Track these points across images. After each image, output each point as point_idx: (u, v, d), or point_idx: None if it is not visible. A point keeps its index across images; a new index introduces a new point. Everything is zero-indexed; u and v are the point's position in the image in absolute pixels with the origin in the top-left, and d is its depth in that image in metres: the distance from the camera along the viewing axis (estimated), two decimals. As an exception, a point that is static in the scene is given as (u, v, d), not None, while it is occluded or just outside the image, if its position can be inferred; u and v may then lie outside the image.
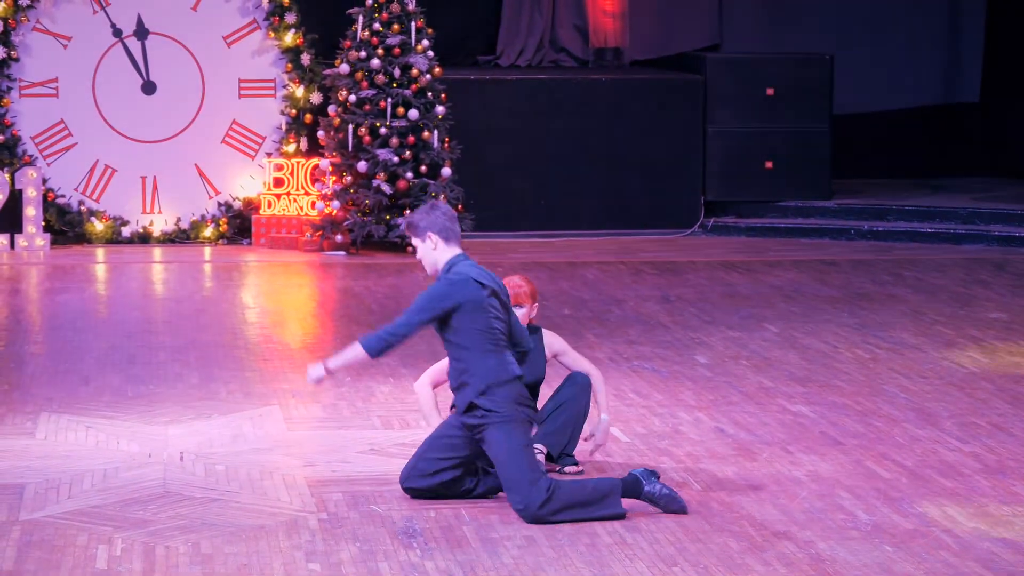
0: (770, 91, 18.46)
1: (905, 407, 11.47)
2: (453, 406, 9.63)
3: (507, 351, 9.48)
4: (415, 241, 9.62)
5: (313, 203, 17.24)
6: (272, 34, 17.79)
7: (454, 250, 9.54)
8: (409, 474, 9.51)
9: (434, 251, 9.53)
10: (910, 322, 14.10)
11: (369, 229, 17.05)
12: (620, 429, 10.91)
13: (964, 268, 16.50)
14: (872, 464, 10.18)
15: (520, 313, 9.85)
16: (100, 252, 17.30)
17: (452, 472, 9.47)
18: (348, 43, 17.31)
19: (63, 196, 17.60)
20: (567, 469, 9.93)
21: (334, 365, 9.58)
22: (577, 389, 10.02)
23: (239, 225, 17.74)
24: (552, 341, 10.05)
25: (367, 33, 17.24)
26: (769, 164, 18.46)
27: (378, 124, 17.07)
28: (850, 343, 13.35)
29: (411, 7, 17.31)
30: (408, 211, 16.96)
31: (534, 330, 10.01)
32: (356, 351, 9.49)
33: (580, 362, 10.12)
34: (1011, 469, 10.09)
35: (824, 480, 9.86)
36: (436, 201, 10.01)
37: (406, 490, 9.52)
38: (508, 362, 9.45)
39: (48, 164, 17.58)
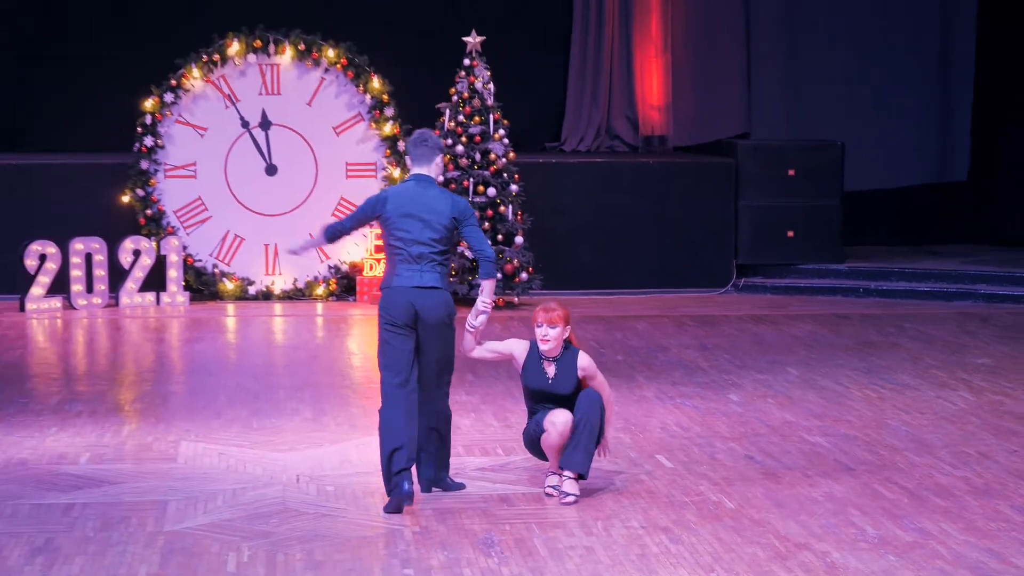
0: (791, 172, 18.43)
1: (906, 438, 11.42)
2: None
3: (402, 263, 9.60)
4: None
5: (408, 266, 17.26)
6: (374, 125, 17.86)
7: (416, 170, 9.83)
8: None
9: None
10: (910, 366, 14.04)
11: (454, 288, 17.06)
12: (665, 457, 10.88)
13: (955, 321, 16.42)
14: (878, 486, 10.14)
15: (553, 334, 9.77)
16: (230, 307, 17.36)
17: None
18: (437, 132, 17.34)
19: (200, 260, 17.67)
20: (565, 501, 9.75)
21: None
22: (587, 405, 9.75)
23: (346, 284, 17.79)
24: (585, 364, 9.91)
25: (453, 124, 17.29)
26: (790, 233, 18.42)
27: (462, 200, 17.09)
28: (859, 384, 13.30)
29: (490, 102, 17.35)
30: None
31: (570, 350, 9.91)
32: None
33: (603, 388, 10.00)
34: (995, 491, 10.03)
35: (837, 500, 9.83)
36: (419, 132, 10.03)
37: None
38: (395, 274, 9.63)
39: (188, 234, 17.65)
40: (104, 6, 19.19)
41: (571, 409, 9.77)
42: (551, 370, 9.89)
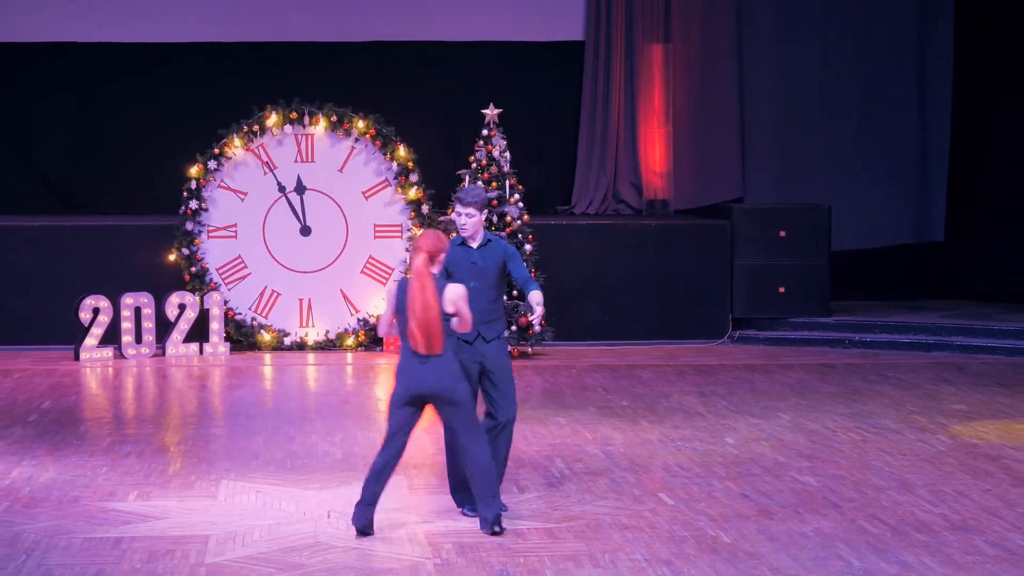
0: (782, 233, 18.42)
1: (888, 478, 11.38)
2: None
3: None
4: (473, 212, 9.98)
5: (430, 319, 17.25)
6: (400, 190, 17.88)
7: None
8: None
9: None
10: (892, 412, 13.99)
11: (473, 339, 17.04)
12: (667, 495, 10.84)
13: (933, 370, 16.37)
14: (863, 522, 10.09)
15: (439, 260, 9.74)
16: (267, 357, 17.36)
17: None
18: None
19: (240, 314, 17.68)
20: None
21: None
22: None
23: (374, 336, 17.78)
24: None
25: (472, 189, 17.30)
26: (782, 289, 18.40)
27: (480, 258, 17.11)
28: (845, 428, 13.25)
29: (506, 169, 17.38)
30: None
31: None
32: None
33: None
34: (971, 526, 9.98)
35: (826, 535, 9.78)
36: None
37: None
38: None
39: (229, 289, 17.66)
40: (153, 81, 19.27)
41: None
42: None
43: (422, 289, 9.47)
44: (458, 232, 10.19)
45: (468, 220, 10.08)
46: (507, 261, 10.22)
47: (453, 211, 10.09)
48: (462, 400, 9.60)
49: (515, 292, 17.06)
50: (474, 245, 10.19)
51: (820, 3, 19.74)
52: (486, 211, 10.27)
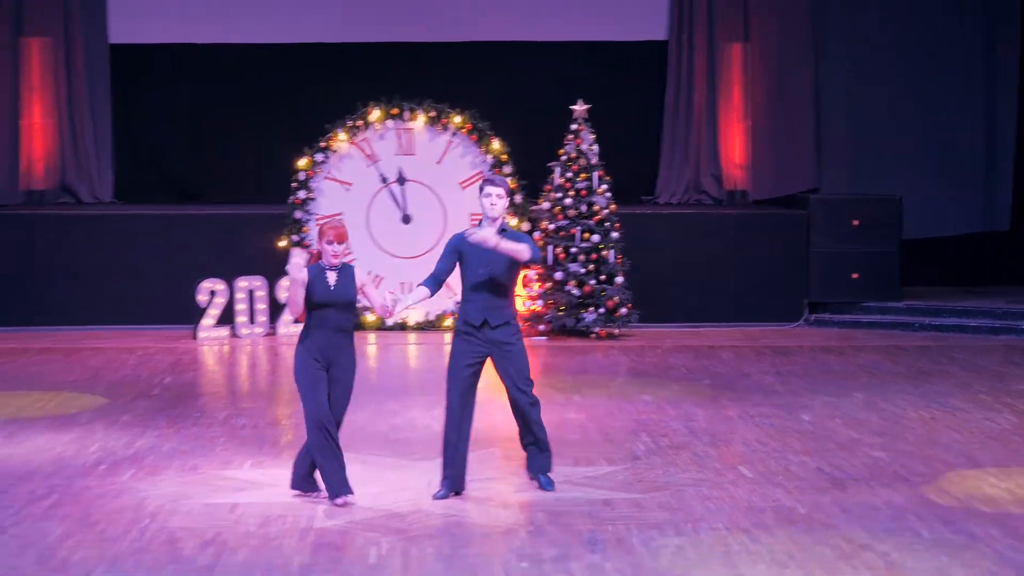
0: (855, 222, 18.32)
1: (956, 454, 11.32)
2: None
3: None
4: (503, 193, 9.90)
5: (523, 302, 17.31)
6: (494, 181, 17.90)
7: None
8: None
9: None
10: (960, 392, 13.91)
11: (563, 322, 17.08)
12: (746, 468, 10.84)
13: (1000, 353, 16.25)
14: (932, 495, 10.05)
15: (342, 249, 9.72)
16: (371, 336, 17.45)
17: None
18: (549, 187, 17.42)
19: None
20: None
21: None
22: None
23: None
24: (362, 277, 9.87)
25: (562, 180, 17.33)
26: (855, 275, 18.30)
27: (570, 246, 17.13)
28: (915, 406, 13.19)
29: (594, 161, 17.38)
30: (592, 308, 17.00)
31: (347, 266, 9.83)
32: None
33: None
34: (1036, 500, 9.94)
35: (896, 507, 9.75)
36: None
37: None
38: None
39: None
40: (264, 80, 19.41)
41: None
42: (332, 278, 9.71)
43: None
44: (486, 214, 10.01)
45: (498, 201, 9.98)
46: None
47: (482, 193, 10.02)
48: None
49: (602, 277, 17.07)
50: None
51: (891, 2, 19.62)
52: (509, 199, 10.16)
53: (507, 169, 17.79)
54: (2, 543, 8.89)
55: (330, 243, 9.70)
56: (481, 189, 10.02)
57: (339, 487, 9.71)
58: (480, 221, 10.09)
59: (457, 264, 9.99)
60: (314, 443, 9.68)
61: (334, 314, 9.72)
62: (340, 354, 9.77)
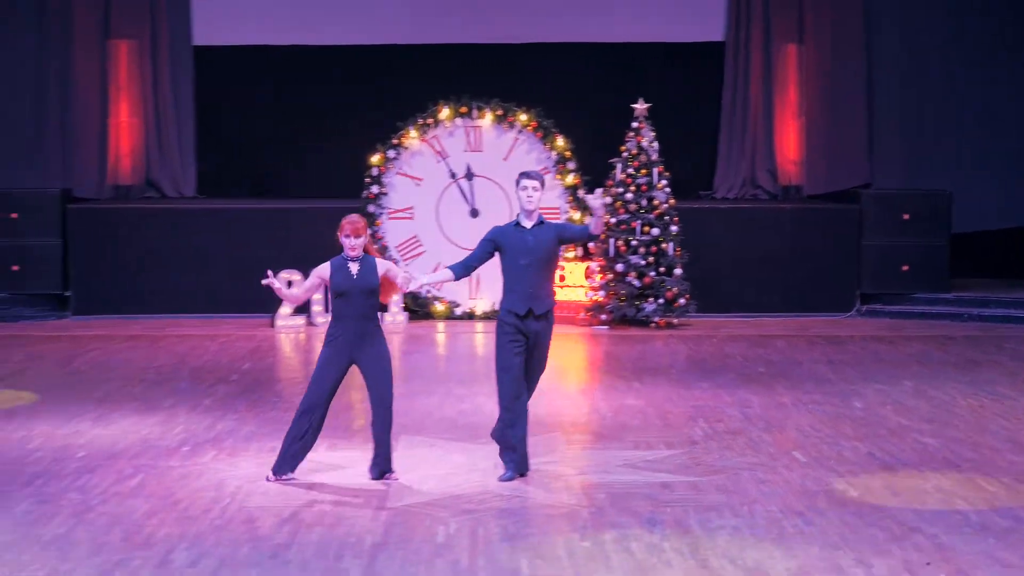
0: (906, 216, 18.21)
1: (1004, 440, 11.23)
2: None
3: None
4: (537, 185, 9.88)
5: (586, 292, 17.30)
6: (558, 176, 17.91)
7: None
8: None
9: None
10: (1007, 380, 13.79)
11: (624, 311, 17.06)
12: (800, 453, 10.79)
13: (1046, 342, 16.15)
14: (980, 480, 9.97)
15: (360, 242, 9.85)
16: (440, 325, 17.49)
17: None
18: (610, 182, 17.38)
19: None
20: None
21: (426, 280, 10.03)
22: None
23: (535, 307, 17.79)
24: (386, 267, 10.02)
25: (623, 175, 17.30)
26: (905, 267, 18.19)
27: (630, 239, 17.10)
28: (964, 394, 13.09)
29: (654, 158, 17.34)
30: (652, 299, 16.97)
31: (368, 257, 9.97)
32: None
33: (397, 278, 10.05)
34: (1081, 485, 9.85)
35: (945, 491, 9.68)
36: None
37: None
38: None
39: (406, 265, 17.80)
40: (337, 79, 19.47)
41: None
42: (354, 268, 9.86)
43: None
44: (523, 207, 9.99)
45: (535, 193, 9.95)
46: (561, 234, 10.00)
47: (519, 186, 9.99)
48: None
49: (662, 269, 17.04)
50: (528, 225, 9.96)
51: (943, 1, 19.48)
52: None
53: (570, 165, 17.78)
54: (90, 520, 8.97)
55: (347, 237, 9.89)
56: (518, 183, 10.00)
57: (283, 465, 9.84)
58: (518, 216, 10.03)
59: (492, 256, 10.05)
60: (295, 420, 9.82)
61: (357, 301, 9.85)
62: (365, 339, 9.89)
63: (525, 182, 9.93)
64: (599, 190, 9.92)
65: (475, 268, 10.10)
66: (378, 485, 9.78)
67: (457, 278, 10.07)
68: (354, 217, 10.01)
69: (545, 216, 10.22)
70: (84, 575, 8.00)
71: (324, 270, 9.94)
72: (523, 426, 9.97)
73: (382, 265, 9.95)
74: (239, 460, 10.46)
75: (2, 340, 15.94)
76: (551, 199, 17.85)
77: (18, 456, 10.61)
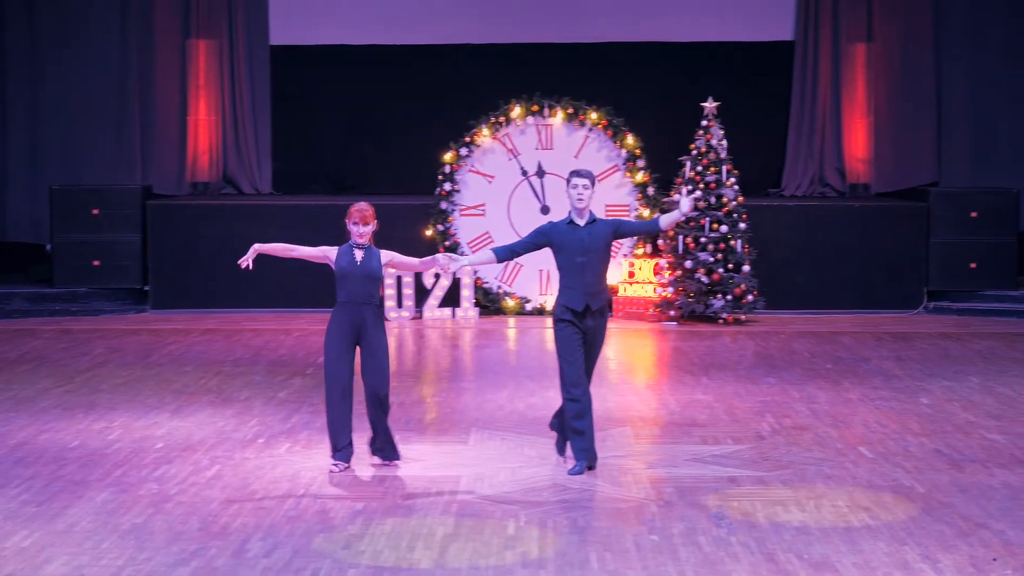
0: (974, 214, 18.04)
1: (1071, 437, 11.12)
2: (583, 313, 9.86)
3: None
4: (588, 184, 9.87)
5: (655, 289, 17.25)
6: (628, 174, 17.87)
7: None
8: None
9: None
10: (1074, 377, 13.67)
11: (692, 308, 17.00)
12: (867, 449, 10.72)
13: (1114, 339, 15.94)
14: (1047, 477, 9.88)
15: (367, 230, 10.09)
16: (511, 321, 17.50)
17: None
18: (680, 180, 17.32)
19: (487, 283, 17.84)
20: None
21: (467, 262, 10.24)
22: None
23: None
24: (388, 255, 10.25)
25: (693, 173, 17.23)
26: (973, 265, 18.02)
27: (699, 236, 17.04)
28: (1031, 391, 12.98)
29: (723, 155, 17.26)
30: (720, 295, 16.91)
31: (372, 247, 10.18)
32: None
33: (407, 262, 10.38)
34: None
35: (1012, 487, 9.59)
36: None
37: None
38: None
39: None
40: (411, 78, 19.51)
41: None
42: (359, 255, 10.07)
43: None
44: (574, 205, 9.95)
45: (585, 192, 9.91)
46: (618, 229, 9.99)
47: (569, 184, 9.97)
48: None
49: (730, 265, 16.96)
50: (581, 223, 9.94)
51: (1010, 1, 19.31)
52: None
53: (640, 163, 17.74)
54: (168, 510, 9.04)
55: (355, 224, 10.14)
56: (568, 181, 9.98)
57: (344, 455, 9.96)
58: (570, 213, 10.01)
59: (539, 249, 10.10)
60: (327, 405, 9.92)
61: (359, 285, 10.05)
62: (367, 324, 10.06)
63: (575, 180, 9.93)
64: (699, 192, 9.96)
65: (519, 255, 10.18)
66: (449, 478, 9.79)
67: (499, 261, 10.16)
68: (363, 205, 10.22)
69: (614, 213, 10.21)
70: (161, 564, 8.06)
71: (331, 250, 10.21)
72: (591, 416, 9.96)
73: (386, 255, 10.20)
74: (313, 452, 10.51)
75: (83, 334, 16.10)
76: (620, 196, 17.82)
77: (98, 447, 10.71)
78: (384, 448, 10.07)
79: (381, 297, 10.39)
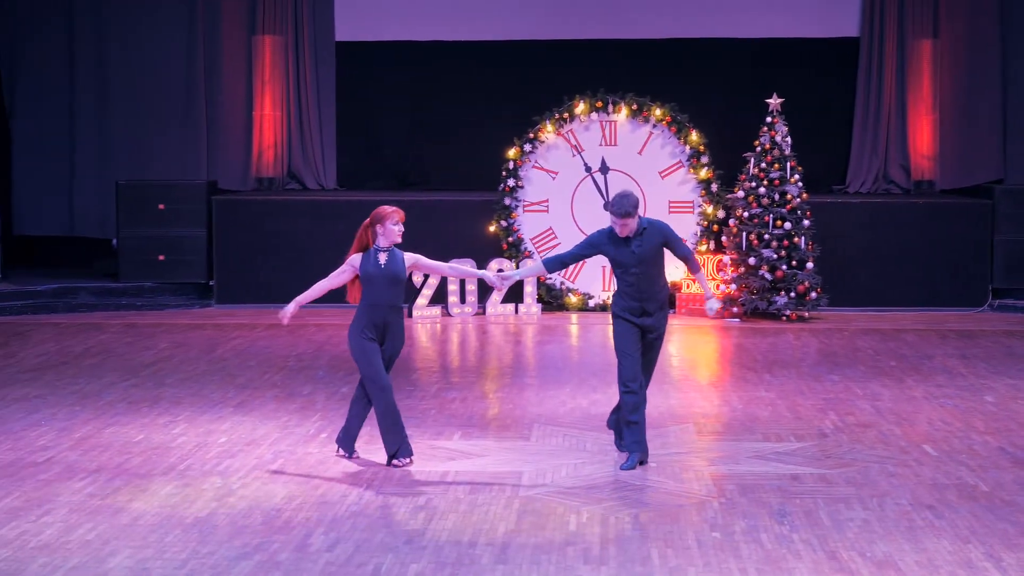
0: (1040, 211, 17.92)
1: None
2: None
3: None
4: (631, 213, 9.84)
5: (718, 285, 17.19)
6: (692, 170, 17.81)
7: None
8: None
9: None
10: None
11: (756, 304, 16.92)
12: (931, 446, 10.63)
13: None
14: (1114, 477, 9.76)
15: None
16: (574, 317, 17.47)
17: None
18: (743, 176, 17.25)
19: (550, 279, 17.83)
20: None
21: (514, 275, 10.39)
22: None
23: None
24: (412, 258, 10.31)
25: (756, 170, 17.15)
26: (1038, 262, 17.91)
27: (763, 232, 16.95)
28: (1098, 390, 12.83)
29: (787, 152, 17.17)
30: (783, 292, 16.82)
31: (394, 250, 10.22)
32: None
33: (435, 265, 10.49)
34: None
35: (1078, 487, 9.49)
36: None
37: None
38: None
39: (541, 257, 17.80)
40: (476, 74, 19.52)
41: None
42: (383, 258, 10.11)
43: None
44: (618, 233, 9.90)
45: (624, 226, 9.89)
46: (666, 243, 9.98)
47: (611, 220, 9.94)
48: None
49: (794, 262, 16.87)
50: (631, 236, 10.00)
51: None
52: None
53: (704, 159, 17.68)
54: (231, 504, 9.08)
55: (396, 224, 10.17)
56: (609, 216, 9.97)
57: (404, 450, 9.98)
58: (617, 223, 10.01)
59: (589, 258, 10.32)
60: (380, 408, 9.96)
61: (383, 289, 10.09)
62: (390, 326, 10.10)
63: (616, 220, 9.90)
64: (720, 305, 10.14)
65: (568, 265, 10.37)
66: (512, 474, 9.78)
67: (549, 272, 10.33)
68: (394, 207, 10.22)
69: (677, 210, 10.19)
70: (224, 557, 8.09)
71: (355, 258, 10.23)
72: (644, 410, 9.97)
73: (410, 258, 10.24)
74: (375, 447, 10.53)
75: (148, 328, 16.21)
76: (684, 193, 17.76)
77: (163, 441, 10.77)
78: (405, 449, 10.06)
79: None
